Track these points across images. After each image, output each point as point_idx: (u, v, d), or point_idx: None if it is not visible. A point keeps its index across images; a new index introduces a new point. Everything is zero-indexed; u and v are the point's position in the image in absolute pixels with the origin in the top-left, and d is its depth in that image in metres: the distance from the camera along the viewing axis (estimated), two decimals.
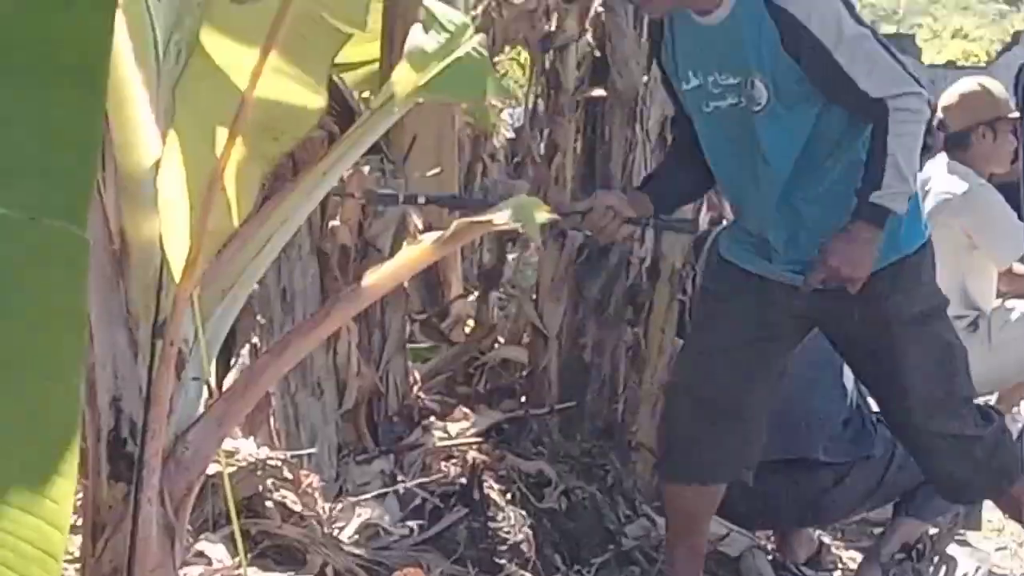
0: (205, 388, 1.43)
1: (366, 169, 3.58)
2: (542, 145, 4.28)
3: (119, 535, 1.28)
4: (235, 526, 1.79)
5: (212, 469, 2.93)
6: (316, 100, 1.30)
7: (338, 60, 4.58)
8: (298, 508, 3.04)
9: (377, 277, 1.48)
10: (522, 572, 3.19)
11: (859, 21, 2.91)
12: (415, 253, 1.44)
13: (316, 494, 3.15)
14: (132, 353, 1.37)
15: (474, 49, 1.79)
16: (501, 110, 6.40)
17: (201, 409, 1.37)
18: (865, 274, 2.84)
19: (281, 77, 1.26)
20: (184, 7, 1.41)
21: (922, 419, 3.03)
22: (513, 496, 3.46)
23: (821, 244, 2.85)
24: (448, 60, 1.50)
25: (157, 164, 1.32)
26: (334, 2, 1.30)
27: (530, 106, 4.88)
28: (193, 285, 1.33)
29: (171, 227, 1.34)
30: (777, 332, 3.06)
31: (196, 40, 1.33)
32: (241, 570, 2.46)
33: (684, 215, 3.57)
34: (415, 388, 3.83)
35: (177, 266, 1.32)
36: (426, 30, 1.53)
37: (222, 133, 1.28)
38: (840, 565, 3.80)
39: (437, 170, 4.41)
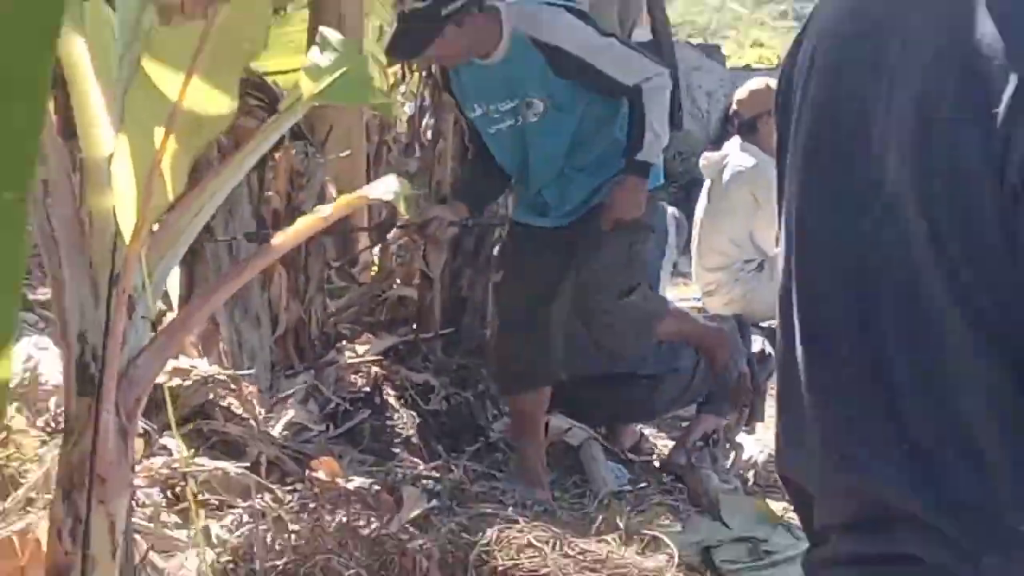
0: (150, 324, 1.39)
1: (293, 151, 3.52)
2: (429, 132, 4.27)
3: (85, 437, 1.26)
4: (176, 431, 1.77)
5: (175, 382, 2.90)
6: (229, 104, 1.27)
7: (273, 68, 4.47)
8: (240, 411, 2.96)
9: (282, 238, 1.46)
10: (412, 459, 3.15)
11: (603, 33, 3.01)
12: (310, 221, 1.43)
13: (254, 400, 3.05)
14: (94, 299, 1.32)
15: (364, 64, 1.80)
16: (404, 104, 6.27)
17: (147, 341, 1.34)
18: (640, 213, 2.98)
19: (202, 87, 1.23)
20: (133, 34, 1.37)
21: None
22: (406, 401, 3.40)
23: (603, 198, 3.02)
24: (337, 74, 1.49)
25: (111, 155, 1.30)
26: (241, 29, 1.28)
27: (420, 101, 4.83)
28: (140, 246, 1.29)
29: (122, 202, 1.30)
30: (552, 264, 3.12)
31: (139, 58, 1.30)
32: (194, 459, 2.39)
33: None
34: (332, 319, 3.76)
35: (127, 232, 1.28)
36: (321, 51, 1.52)
37: (159, 131, 1.24)
38: (656, 451, 3.74)
39: (348, 152, 4.36)
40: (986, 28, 0.66)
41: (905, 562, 0.72)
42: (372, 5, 5.37)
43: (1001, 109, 0.64)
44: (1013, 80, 0.64)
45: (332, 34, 1.53)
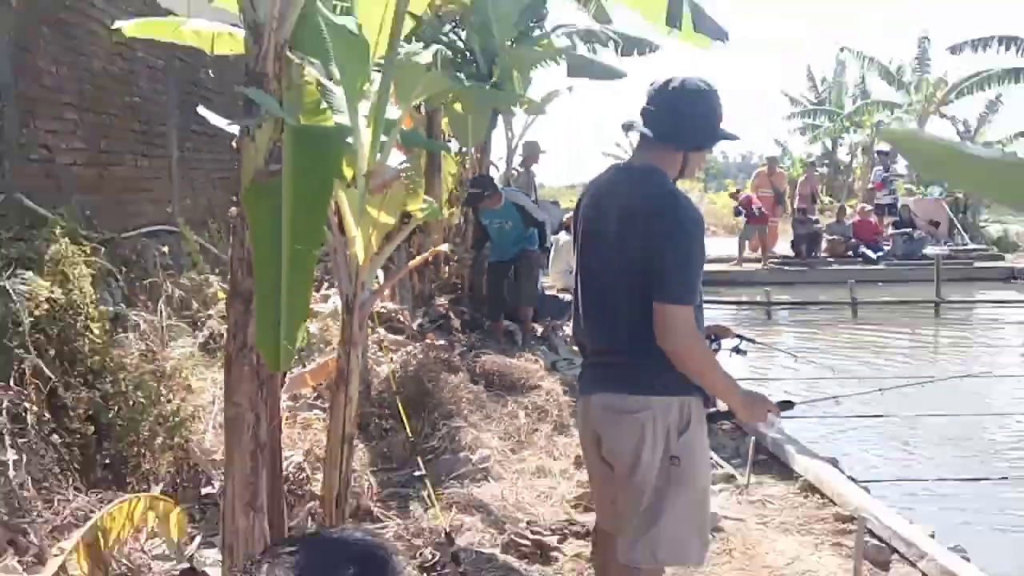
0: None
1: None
2: (467, 223, 9.52)
3: (347, 328, 3.43)
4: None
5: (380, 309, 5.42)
6: (395, 218, 3.40)
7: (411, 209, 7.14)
8: (401, 318, 6.21)
9: (417, 261, 3.63)
10: (462, 334, 6.14)
11: (533, 202, 8.89)
12: (424, 256, 3.60)
13: (407, 315, 6.51)
14: (351, 284, 3.41)
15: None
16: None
17: (368, 296, 3.44)
18: (543, 262, 8.31)
19: (387, 214, 3.34)
20: (362, 189, 3.52)
21: None
22: (457, 315, 8.38)
23: (524, 248, 8.24)
24: (426, 205, 3.57)
25: (355, 236, 3.40)
26: (400, 194, 3.40)
27: (463, 214, 9.45)
28: (366, 266, 3.40)
29: (359, 252, 3.39)
30: (506, 268, 8.39)
31: (364, 198, 3.44)
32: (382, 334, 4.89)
33: None
34: (431, 288, 7.27)
35: (361, 260, 3.39)
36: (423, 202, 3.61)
37: (372, 229, 3.36)
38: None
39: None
40: (635, 192, 2.65)
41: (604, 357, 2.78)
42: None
43: (640, 218, 2.62)
44: (642, 215, 2.60)
45: (428, 199, 3.61)
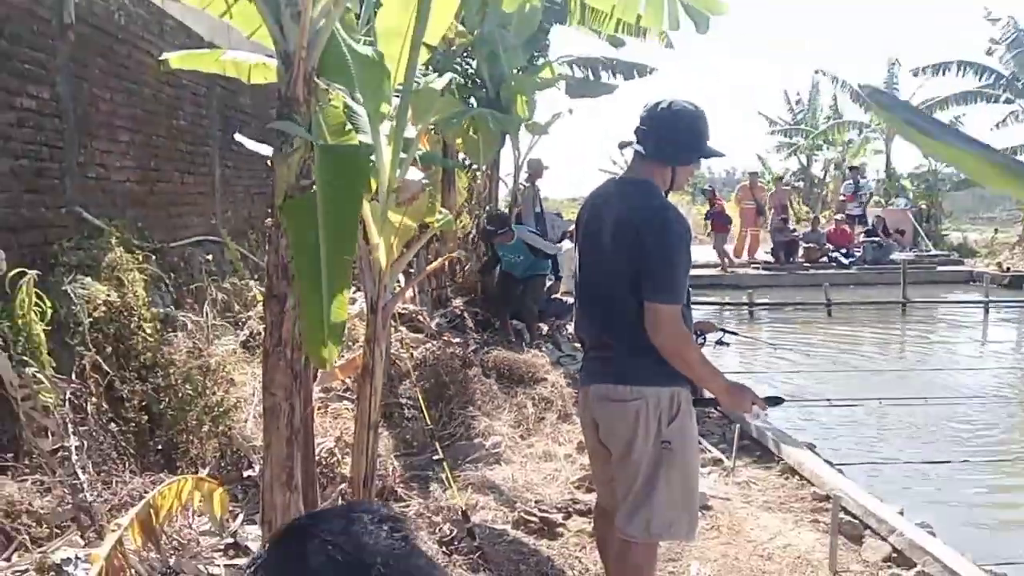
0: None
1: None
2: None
3: (372, 326, 3.44)
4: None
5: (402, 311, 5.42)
6: (414, 229, 3.41)
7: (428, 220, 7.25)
8: (421, 319, 5.99)
9: (433, 265, 3.62)
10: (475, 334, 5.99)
11: (543, 238, 8.63)
12: (439, 262, 3.58)
13: (425, 315, 6.28)
14: (375, 287, 3.41)
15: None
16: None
17: (389, 298, 3.45)
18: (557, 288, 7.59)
19: (406, 224, 3.35)
20: (385, 200, 3.53)
21: None
22: (471, 316, 8.01)
23: (534, 273, 7.95)
24: (442, 217, 3.57)
25: (378, 244, 3.42)
26: (421, 205, 3.41)
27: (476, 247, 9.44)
28: (388, 271, 3.41)
29: (381, 258, 3.42)
30: (518, 282, 8.29)
31: (387, 210, 3.45)
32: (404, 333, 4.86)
33: None
34: (448, 290, 7.12)
35: (384, 266, 3.41)
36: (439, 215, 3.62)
37: (394, 237, 3.37)
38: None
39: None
40: (629, 204, 2.66)
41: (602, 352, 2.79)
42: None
43: (633, 226, 2.60)
44: (635, 224, 2.58)
45: (443, 210, 3.62)
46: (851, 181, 18.09)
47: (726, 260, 15.92)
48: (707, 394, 2.67)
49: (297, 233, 2.34)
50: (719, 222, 16.15)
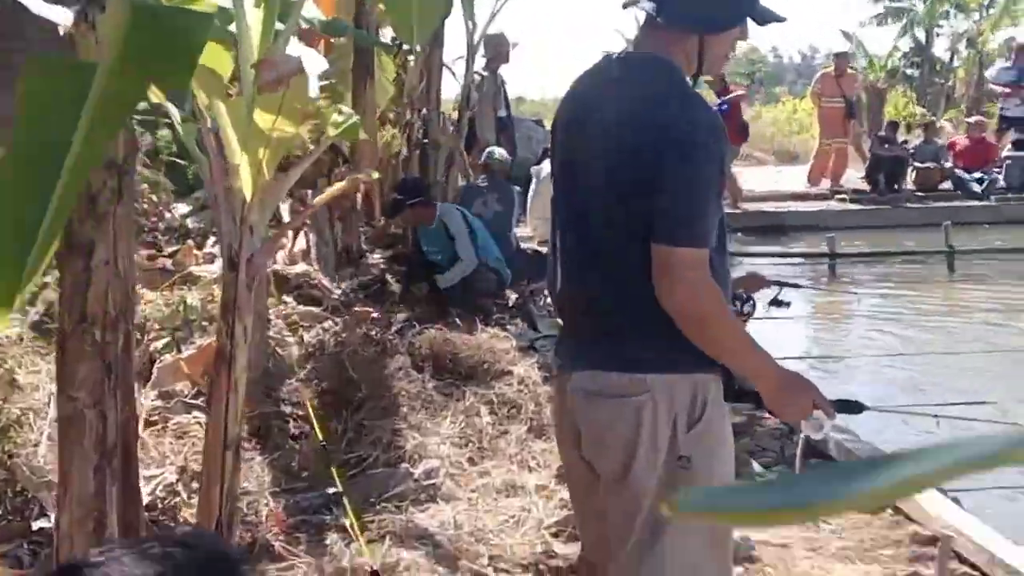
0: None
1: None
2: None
3: (229, 291, 3.41)
4: None
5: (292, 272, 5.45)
6: (295, 133, 3.36)
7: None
8: (318, 284, 6.17)
9: (324, 197, 3.61)
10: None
11: (466, 225, 8.61)
12: (343, 185, 3.58)
13: (325, 281, 6.57)
14: (236, 228, 3.35)
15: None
16: None
17: (259, 246, 3.40)
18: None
19: (283, 125, 3.28)
20: (249, 97, 3.45)
21: None
22: (395, 276, 8.36)
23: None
24: (349, 121, 3.51)
25: (239, 163, 3.35)
26: (299, 98, 3.36)
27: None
28: (254, 204, 3.36)
29: (246, 184, 3.33)
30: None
31: (251, 111, 3.39)
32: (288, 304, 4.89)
33: None
34: (360, 243, 7.52)
35: (248, 197, 3.35)
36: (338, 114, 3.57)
37: (263, 149, 3.31)
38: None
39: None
40: (630, 93, 2.57)
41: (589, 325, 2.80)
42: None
43: (635, 129, 2.49)
44: (639, 119, 2.48)
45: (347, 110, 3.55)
46: (1011, 65, 17.20)
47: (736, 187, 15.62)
48: (749, 386, 2.65)
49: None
50: (729, 128, 15.91)
